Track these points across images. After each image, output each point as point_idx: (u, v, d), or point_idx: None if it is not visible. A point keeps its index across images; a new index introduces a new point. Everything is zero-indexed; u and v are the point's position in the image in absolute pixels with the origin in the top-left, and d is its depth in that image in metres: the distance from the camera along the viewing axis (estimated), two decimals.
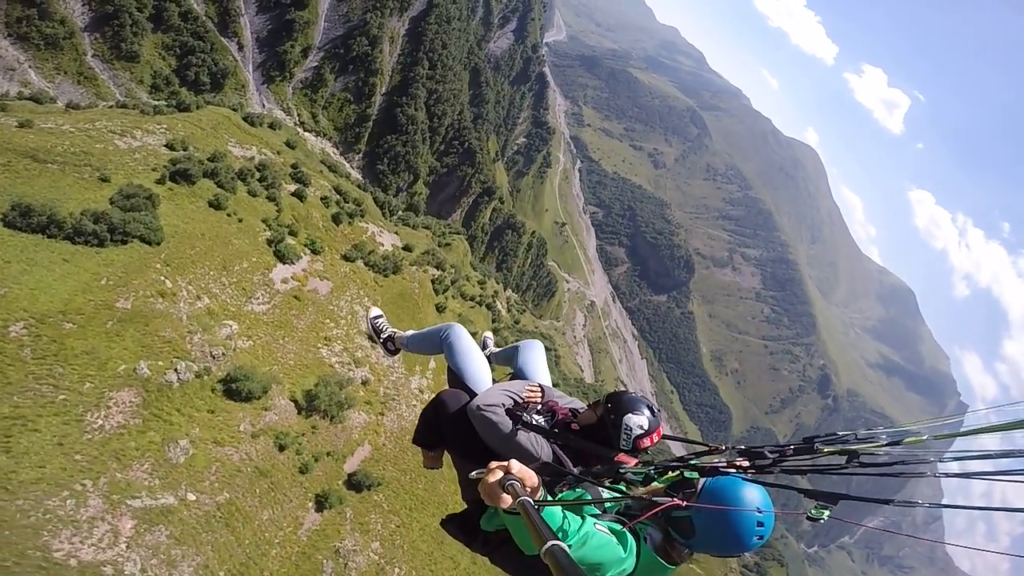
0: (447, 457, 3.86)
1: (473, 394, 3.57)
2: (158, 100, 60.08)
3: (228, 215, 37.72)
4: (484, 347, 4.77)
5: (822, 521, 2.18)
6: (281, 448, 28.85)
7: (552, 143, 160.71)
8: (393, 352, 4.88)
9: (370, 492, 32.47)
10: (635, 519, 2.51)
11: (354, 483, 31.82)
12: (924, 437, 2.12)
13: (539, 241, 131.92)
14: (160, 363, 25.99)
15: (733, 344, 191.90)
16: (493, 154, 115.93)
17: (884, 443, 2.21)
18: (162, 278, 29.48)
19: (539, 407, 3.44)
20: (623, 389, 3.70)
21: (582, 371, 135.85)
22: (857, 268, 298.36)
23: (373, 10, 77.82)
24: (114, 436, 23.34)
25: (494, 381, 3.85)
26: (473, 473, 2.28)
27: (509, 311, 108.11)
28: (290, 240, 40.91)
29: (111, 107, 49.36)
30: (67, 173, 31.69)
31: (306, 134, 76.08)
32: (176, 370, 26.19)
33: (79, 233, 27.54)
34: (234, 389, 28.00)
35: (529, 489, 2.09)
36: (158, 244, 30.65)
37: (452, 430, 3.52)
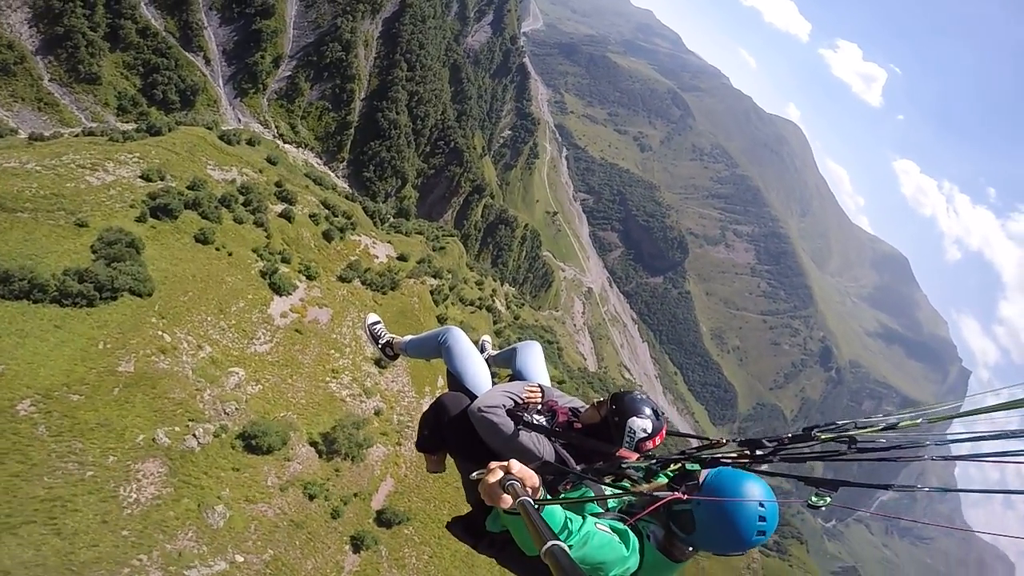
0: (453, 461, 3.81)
1: (473, 396, 3.52)
2: (127, 122, 56.89)
3: (217, 249, 35.75)
4: (482, 350, 4.70)
5: (822, 508, 2.15)
6: (311, 497, 28.63)
7: (538, 133, 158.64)
8: (392, 357, 4.85)
9: (400, 526, 32.03)
10: (636, 516, 2.52)
11: (384, 520, 31.52)
12: (919, 421, 2.14)
13: (532, 233, 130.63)
14: (177, 429, 25.70)
15: (732, 321, 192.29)
16: (480, 150, 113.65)
17: (880, 428, 2.20)
18: (160, 333, 28.60)
19: (539, 407, 3.43)
20: (627, 390, 3.30)
21: (584, 359, 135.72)
22: (849, 238, 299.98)
23: (343, 15, 74.15)
24: (152, 508, 23.40)
25: (493, 383, 3.81)
26: (474, 474, 2.23)
27: (508, 307, 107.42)
28: (283, 268, 38.88)
29: (77, 136, 46.32)
30: (40, 221, 29.82)
31: (287, 146, 73.06)
32: (195, 435, 25.97)
33: (65, 295, 26.43)
34: (254, 445, 27.52)
35: (529, 489, 2.05)
36: (149, 295, 29.41)
37: (454, 433, 3.48)
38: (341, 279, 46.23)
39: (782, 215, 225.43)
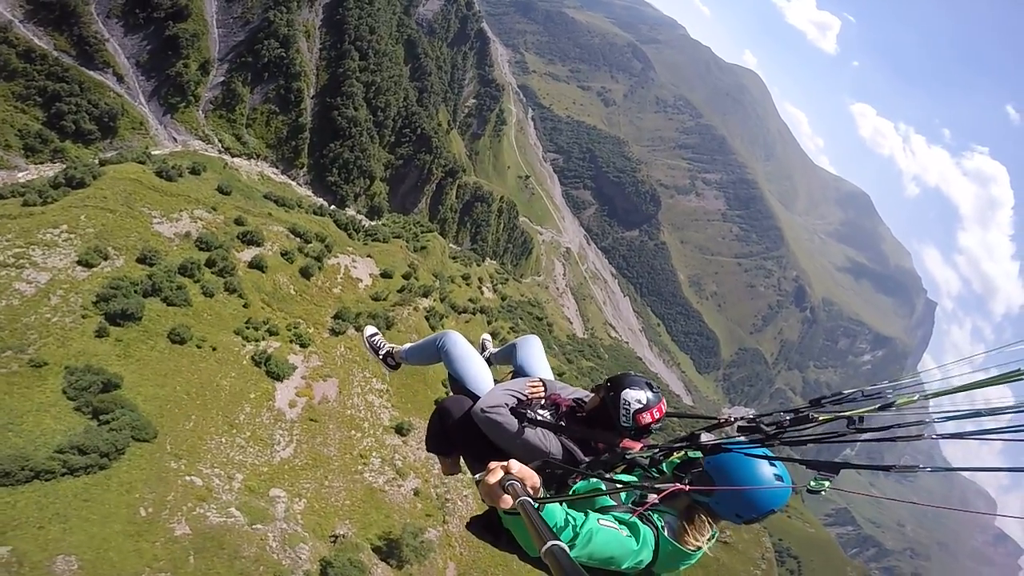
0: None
1: (476, 398, 3.52)
2: (40, 163, 47.85)
3: (198, 347, 31.02)
4: (483, 350, 4.75)
5: (822, 493, 2.17)
6: None
7: (503, 98, 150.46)
8: (394, 367, 4.86)
9: None
10: (644, 506, 2.50)
11: None
12: (916, 398, 2.11)
13: (508, 205, 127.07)
14: None
15: (708, 267, 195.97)
16: (446, 125, 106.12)
17: (875, 407, 2.20)
18: (188, 478, 27.09)
19: (543, 402, 3.43)
20: (626, 372, 3.25)
21: (571, 323, 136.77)
22: (812, 178, 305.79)
23: (275, 6, 63.24)
24: None
25: (496, 382, 3.81)
26: (476, 476, 2.24)
27: (495, 290, 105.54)
28: (274, 345, 34.36)
29: None
30: None
31: (236, 160, 64.57)
32: None
33: (74, 470, 24.90)
34: None
35: (530, 488, 2.03)
36: (155, 437, 27.05)
37: (461, 435, 3.49)
38: (334, 332, 41.56)
39: (748, 161, 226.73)
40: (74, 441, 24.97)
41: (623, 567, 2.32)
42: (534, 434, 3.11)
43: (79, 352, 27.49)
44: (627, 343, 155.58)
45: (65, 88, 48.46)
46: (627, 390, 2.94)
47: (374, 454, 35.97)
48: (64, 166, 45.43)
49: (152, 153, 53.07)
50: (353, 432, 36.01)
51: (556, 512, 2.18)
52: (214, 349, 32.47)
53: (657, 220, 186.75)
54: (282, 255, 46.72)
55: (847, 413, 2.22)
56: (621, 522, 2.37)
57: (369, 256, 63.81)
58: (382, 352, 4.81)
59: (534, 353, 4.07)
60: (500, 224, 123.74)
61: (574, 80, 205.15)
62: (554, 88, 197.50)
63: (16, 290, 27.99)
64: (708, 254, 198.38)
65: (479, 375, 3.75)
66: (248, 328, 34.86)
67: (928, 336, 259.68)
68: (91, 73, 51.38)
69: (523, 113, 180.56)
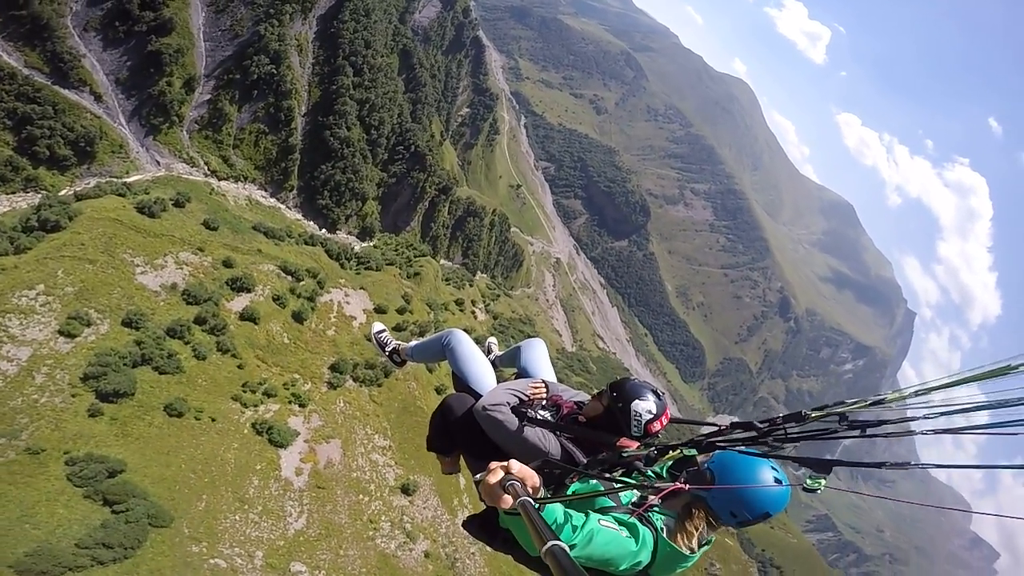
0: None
1: (478, 396, 3.55)
2: (11, 193, 44.13)
3: (196, 419, 29.37)
4: (488, 352, 4.71)
5: (818, 492, 2.18)
6: None
7: (496, 107, 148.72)
8: (399, 364, 4.87)
9: None
10: (644, 507, 2.51)
11: None
12: (907, 394, 2.15)
13: (500, 218, 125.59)
14: None
15: (695, 277, 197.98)
16: (439, 136, 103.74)
17: (868, 403, 2.23)
18: (212, 561, 26.16)
19: (544, 403, 3.45)
20: (624, 377, 3.25)
21: (560, 336, 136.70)
22: (798, 188, 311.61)
23: (266, 19, 59.89)
24: None
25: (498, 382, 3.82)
26: (476, 476, 2.25)
27: (487, 310, 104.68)
28: (272, 408, 32.62)
29: None
30: None
31: (222, 184, 61.19)
32: None
33: (100, 562, 24.94)
34: None
35: (530, 488, 2.03)
36: (172, 523, 26.25)
37: (462, 433, 3.51)
38: (331, 386, 39.41)
39: (736, 171, 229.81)
40: (97, 537, 24.46)
41: (621, 568, 2.32)
42: (534, 433, 3.11)
43: (75, 435, 25.92)
44: (615, 354, 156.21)
45: (37, 110, 44.58)
46: (636, 401, 2.92)
47: (383, 518, 35.70)
48: (39, 197, 42.00)
49: (132, 181, 49.63)
50: (361, 496, 35.79)
51: (556, 512, 2.17)
52: (213, 420, 31.07)
53: (646, 230, 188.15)
54: (274, 299, 44.17)
55: (840, 410, 2.24)
56: (621, 523, 2.37)
57: (362, 288, 61.48)
58: (388, 348, 4.80)
59: (538, 356, 4.08)
60: (492, 238, 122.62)
61: (567, 87, 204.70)
62: (547, 95, 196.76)
63: None
64: (695, 265, 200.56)
65: (482, 374, 3.77)
66: (245, 392, 33.25)
67: (907, 345, 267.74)
68: (66, 93, 47.47)
69: (516, 120, 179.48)
